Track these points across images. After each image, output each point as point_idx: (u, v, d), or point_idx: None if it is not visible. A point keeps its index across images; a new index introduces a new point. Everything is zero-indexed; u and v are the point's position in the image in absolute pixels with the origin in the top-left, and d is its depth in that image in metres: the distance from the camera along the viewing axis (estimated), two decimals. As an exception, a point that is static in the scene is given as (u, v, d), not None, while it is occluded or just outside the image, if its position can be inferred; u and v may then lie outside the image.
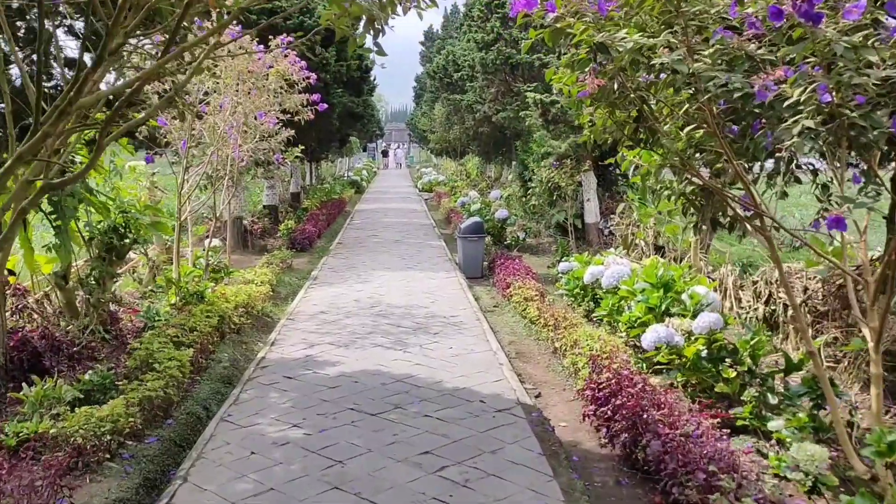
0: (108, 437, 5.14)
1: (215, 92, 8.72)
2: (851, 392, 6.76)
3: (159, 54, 4.49)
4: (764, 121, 5.22)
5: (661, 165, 6.02)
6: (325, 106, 10.07)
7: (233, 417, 6.01)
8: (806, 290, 8.73)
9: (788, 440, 5.51)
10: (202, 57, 3.77)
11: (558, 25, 5.12)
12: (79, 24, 6.59)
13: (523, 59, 18.00)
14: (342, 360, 7.58)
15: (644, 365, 7.47)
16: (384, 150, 76.06)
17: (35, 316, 7.38)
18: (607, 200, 16.11)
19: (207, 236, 15.03)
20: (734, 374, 6.47)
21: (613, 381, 6.38)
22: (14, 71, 6.50)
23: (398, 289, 11.54)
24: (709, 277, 9.72)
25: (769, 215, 5.35)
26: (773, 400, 6.17)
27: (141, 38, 4.81)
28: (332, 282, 12.20)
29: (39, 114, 3.40)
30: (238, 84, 8.71)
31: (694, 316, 7.60)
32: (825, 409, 5.69)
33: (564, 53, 5.67)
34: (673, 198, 6.02)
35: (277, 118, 10.09)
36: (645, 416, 5.59)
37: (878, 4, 4.19)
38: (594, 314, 9.16)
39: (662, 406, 5.83)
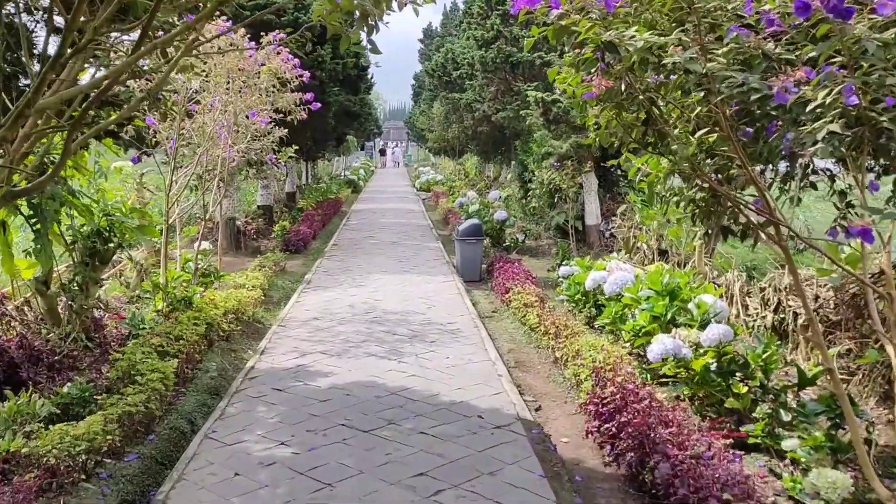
0: (84, 457, 4.83)
1: (204, 91, 8.39)
2: (867, 406, 6.49)
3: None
4: (779, 124, 4.98)
5: (671, 171, 5.74)
6: (319, 105, 9.74)
7: (217, 434, 5.70)
8: (817, 298, 8.44)
9: (803, 460, 5.22)
10: (180, 54, 3.46)
11: (563, 23, 4.83)
12: (59, 19, 6.26)
13: (524, 57, 17.68)
14: (334, 371, 7.27)
15: (648, 376, 7.19)
16: (382, 148, 75.70)
17: (14, 324, 7.06)
18: (608, 202, 15.82)
19: (198, 238, 14.78)
20: (745, 389, 6.18)
21: (618, 395, 6.11)
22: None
23: (394, 293, 11.24)
24: (714, 283, 9.44)
25: (785, 224, 5.08)
26: (786, 417, 5.88)
27: (119, 34, 4.50)
28: (327, 286, 11.88)
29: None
30: (228, 82, 8.38)
31: (702, 326, 7.31)
32: (843, 427, 5.41)
33: (567, 53, 5.39)
34: (682, 204, 5.75)
35: (270, 117, 9.77)
36: (652, 434, 5.30)
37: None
38: (596, 322, 8.86)
39: (671, 424, 5.55)
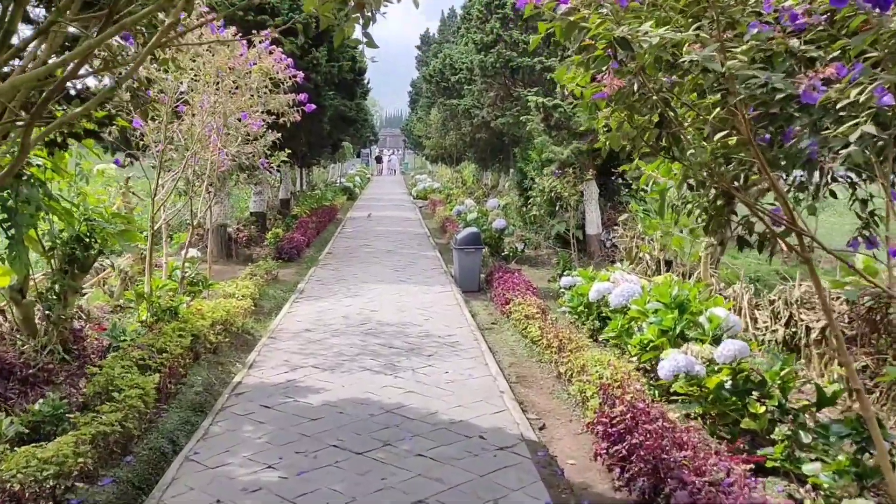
0: (52, 482, 4.44)
1: (193, 91, 8.02)
2: (887, 425, 6.16)
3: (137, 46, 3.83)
4: (798, 128, 4.66)
5: (686, 178, 5.41)
6: (314, 107, 9.36)
7: (200, 456, 5.30)
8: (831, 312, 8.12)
9: (826, 486, 4.87)
10: (154, 39, 3.10)
11: (571, 18, 4.48)
12: (37, 11, 5.91)
13: (524, 62, 17.37)
14: (327, 387, 6.88)
15: (657, 392, 6.85)
16: (378, 156, 75.39)
17: (-13, 334, 6.67)
18: (609, 211, 15.51)
19: (186, 245, 14.38)
20: (763, 409, 5.82)
21: (628, 415, 5.76)
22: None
23: (390, 304, 10.85)
24: (721, 295, 9.11)
25: (808, 234, 4.75)
26: (806, 438, 5.52)
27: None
28: (320, 295, 11.48)
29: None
30: (218, 82, 8.00)
31: (714, 341, 6.97)
32: (869, 451, 5.06)
33: (568, 56, 5.08)
34: (695, 213, 5.43)
35: (263, 120, 9.40)
36: (667, 458, 4.95)
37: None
38: (601, 335, 8.50)
39: (685, 446, 5.20)
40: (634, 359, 7.51)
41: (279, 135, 9.97)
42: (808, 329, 8.14)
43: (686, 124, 4.95)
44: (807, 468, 5.11)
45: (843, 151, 3.76)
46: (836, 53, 3.98)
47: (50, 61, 3.16)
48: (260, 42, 8.23)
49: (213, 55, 7.87)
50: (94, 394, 5.65)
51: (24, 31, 7.01)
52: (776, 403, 5.93)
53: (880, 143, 3.89)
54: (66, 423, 5.21)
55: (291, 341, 8.57)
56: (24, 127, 2.79)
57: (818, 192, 5.15)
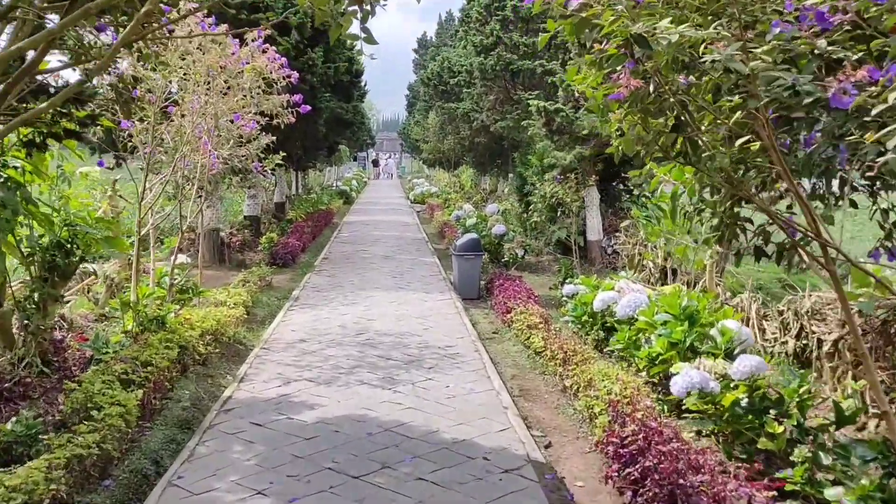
0: (22, 512, 4.08)
1: (182, 90, 7.67)
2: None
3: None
4: (818, 134, 4.20)
5: (705, 185, 5.11)
6: (308, 108, 9.01)
7: (184, 480, 4.93)
8: (844, 324, 7.81)
9: (850, 513, 4.55)
10: (128, 29, 2.77)
11: (583, 14, 4.16)
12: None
13: (525, 65, 17.06)
14: (322, 402, 6.52)
15: (666, 407, 6.55)
16: (375, 159, 75.11)
17: (-38, 345, 6.31)
18: (610, 217, 15.21)
19: (180, 249, 14.01)
20: (781, 429, 5.51)
21: (641, 435, 5.44)
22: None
23: (388, 312, 10.49)
24: (727, 304, 8.81)
25: (834, 245, 4.45)
26: (826, 460, 5.20)
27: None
28: (315, 303, 11.12)
29: None
30: (208, 81, 7.65)
31: (727, 355, 6.66)
32: (896, 476, 4.75)
33: (571, 59, 4.79)
34: (711, 221, 5.13)
35: (256, 122, 9.05)
36: (683, 482, 4.64)
37: None
38: (607, 347, 8.17)
39: (701, 469, 4.89)
40: (643, 373, 7.21)
41: (273, 137, 9.62)
42: (821, 342, 7.84)
43: (703, 128, 4.66)
44: (829, 493, 4.80)
45: (881, 159, 3.47)
46: (860, 55, 3.64)
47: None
48: (253, 41, 7.90)
49: (203, 54, 7.53)
50: (73, 411, 5.29)
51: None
52: (795, 423, 5.62)
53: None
54: (40, 444, 4.85)
55: (285, 352, 8.21)
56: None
57: (838, 200, 4.86)
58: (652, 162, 5.39)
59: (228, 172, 9.74)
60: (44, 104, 3.05)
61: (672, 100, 4.51)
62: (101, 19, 3.34)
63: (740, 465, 5.25)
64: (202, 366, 7.50)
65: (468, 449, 5.55)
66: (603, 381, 6.53)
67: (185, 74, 7.58)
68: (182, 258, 9.73)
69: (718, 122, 4.62)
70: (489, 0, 19.40)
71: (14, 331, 6.47)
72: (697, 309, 7.37)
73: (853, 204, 4.93)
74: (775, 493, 4.78)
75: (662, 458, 5.05)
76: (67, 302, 8.83)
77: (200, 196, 9.51)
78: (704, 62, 4.28)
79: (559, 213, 14.02)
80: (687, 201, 5.58)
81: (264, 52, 8.24)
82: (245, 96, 8.29)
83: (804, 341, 8.03)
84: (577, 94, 13.26)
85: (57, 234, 6.47)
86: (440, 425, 6.01)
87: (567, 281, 11.38)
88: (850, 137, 4.29)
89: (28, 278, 6.57)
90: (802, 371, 6.65)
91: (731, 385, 5.91)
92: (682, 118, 4.63)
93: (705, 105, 4.54)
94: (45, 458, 4.46)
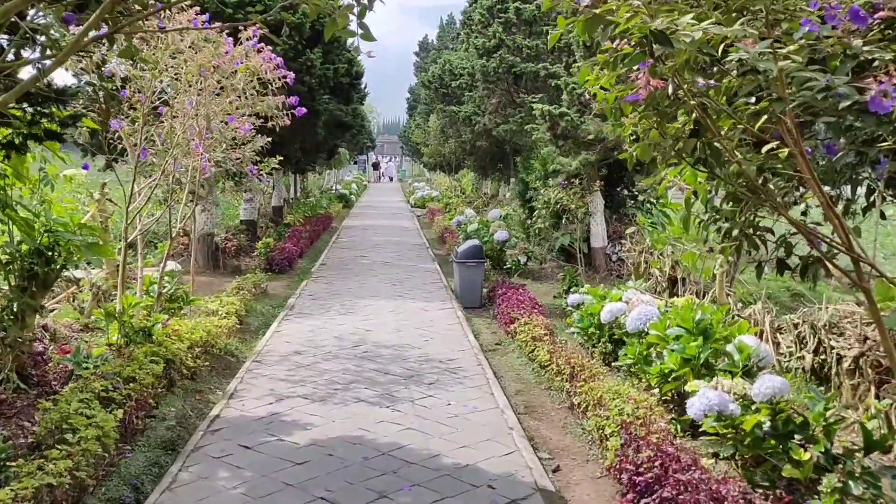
0: (-17, 550, 3.71)
1: (170, 88, 7.29)
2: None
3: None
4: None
5: (729, 193, 4.77)
6: (305, 111, 8.64)
7: (164, 512, 4.57)
8: (865, 339, 7.47)
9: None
10: (95, 15, 2.41)
11: (597, 11, 3.79)
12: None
13: (528, 67, 16.70)
14: (315, 422, 6.13)
15: (679, 426, 6.19)
16: (375, 162, 74.80)
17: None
18: (615, 224, 14.86)
19: (171, 255, 13.63)
20: (807, 456, 5.14)
21: (657, 461, 5.10)
22: None
23: (387, 322, 10.10)
24: (739, 317, 8.45)
25: (868, 260, 4.10)
26: (856, 490, 4.83)
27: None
28: (311, 312, 10.73)
29: None
30: (199, 81, 7.27)
31: (745, 373, 6.29)
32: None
33: (575, 62, 4.44)
34: (726, 230, 4.79)
35: (251, 124, 8.68)
36: (707, 517, 4.28)
37: None
38: (617, 362, 7.80)
39: (724, 502, 4.54)
40: (655, 390, 6.85)
41: (269, 139, 9.25)
42: (840, 358, 7.49)
43: (723, 133, 4.31)
44: (864, 528, 4.44)
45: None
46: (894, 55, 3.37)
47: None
48: (248, 39, 7.54)
49: (196, 52, 7.16)
50: (47, 432, 4.92)
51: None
52: (822, 450, 5.25)
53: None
54: (8, 472, 4.47)
55: (278, 366, 7.82)
56: None
57: (866, 210, 4.54)
58: (668, 168, 5.07)
59: (223, 176, 9.34)
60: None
61: (693, 102, 4.17)
62: (67, 9, 3.01)
63: (766, 496, 4.89)
64: (191, 380, 7.12)
65: (472, 476, 5.17)
66: (614, 399, 6.18)
67: (175, 74, 7.21)
68: (171, 265, 9.35)
69: (739, 126, 4.29)
70: (492, 2, 19.09)
71: (-10, 343, 6.09)
72: (711, 322, 7.01)
73: (882, 215, 4.60)
74: (806, 530, 4.42)
75: (682, 488, 4.71)
76: (52, 311, 8.48)
77: (192, 200, 9.14)
78: (729, 61, 3.94)
79: (563, 219, 13.66)
80: (701, 209, 5.26)
81: (259, 51, 7.88)
82: (239, 97, 7.92)
83: (822, 356, 7.69)
84: (582, 98, 12.96)
85: (37, 240, 6.10)
86: (441, 448, 5.63)
87: (572, 290, 11.03)
88: (882, 144, 3.97)
89: (6, 288, 6.19)
90: (828, 395, 6.28)
91: (753, 407, 5.55)
92: (703, 122, 4.29)
93: (726, 109, 4.20)
94: (11, 489, 4.08)
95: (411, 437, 5.83)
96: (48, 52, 3.76)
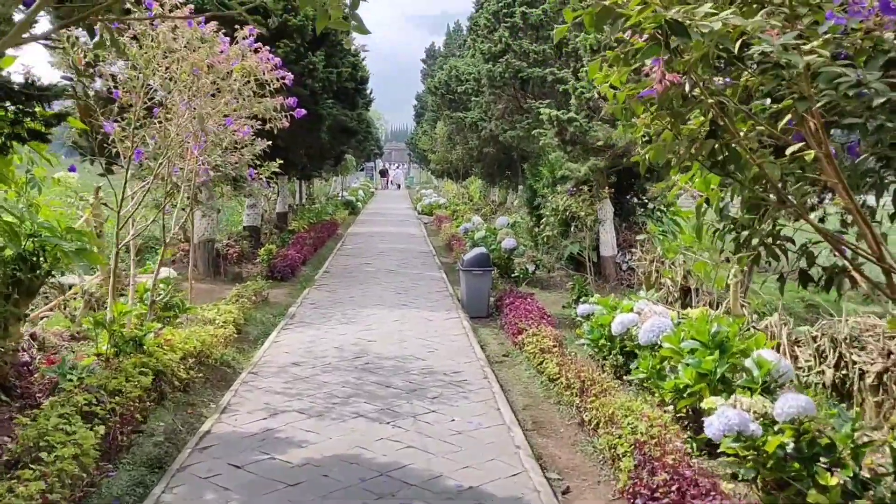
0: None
1: (162, 88, 7.01)
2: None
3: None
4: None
5: (750, 199, 4.47)
6: (304, 112, 8.33)
7: (144, 538, 4.26)
8: (889, 354, 7.12)
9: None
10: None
11: (606, 3, 3.51)
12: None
13: (535, 72, 16.40)
14: (311, 439, 5.80)
15: (695, 445, 5.87)
16: (383, 169, 74.67)
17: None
18: (624, 232, 14.52)
19: (173, 260, 13.36)
20: (834, 480, 4.80)
21: (674, 486, 4.78)
22: None
23: (390, 333, 9.77)
24: (755, 328, 8.12)
25: (900, 271, 3.80)
26: (889, 518, 4.50)
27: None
28: (312, 321, 10.41)
29: None
30: (193, 80, 6.98)
31: (765, 390, 5.96)
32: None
33: (583, 66, 4.16)
34: (744, 240, 4.51)
35: (251, 126, 8.39)
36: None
37: None
38: (629, 376, 7.47)
39: (748, 531, 4.21)
40: (669, 406, 6.52)
41: (269, 143, 8.96)
42: (863, 373, 7.15)
43: (742, 134, 4.01)
44: (898, 560, 4.10)
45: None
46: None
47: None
48: (244, 38, 7.26)
49: (192, 51, 6.88)
50: (23, 450, 4.61)
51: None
52: (850, 474, 4.91)
53: None
54: (-22, 493, 4.17)
55: (275, 378, 7.50)
56: None
57: (894, 217, 4.25)
58: (681, 173, 4.77)
59: (222, 180, 9.06)
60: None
61: (710, 101, 3.87)
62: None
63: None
64: (183, 392, 6.81)
65: (475, 499, 4.84)
66: (626, 416, 5.86)
67: (166, 70, 6.92)
68: (166, 272, 9.07)
69: (759, 128, 3.98)
70: (497, 7, 18.84)
71: (-29, 354, 5.82)
72: (727, 335, 6.68)
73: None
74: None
75: (702, 515, 4.39)
76: (43, 318, 8.21)
77: (190, 205, 8.86)
78: (751, 55, 3.65)
79: (572, 227, 13.34)
80: (713, 217, 4.96)
81: (256, 51, 7.59)
82: (236, 98, 7.63)
83: (843, 371, 7.35)
84: (591, 103, 12.66)
85: (21, 245, 5.82)
86: (444, 468, 5.30)
87: (581, 299, 10.70)
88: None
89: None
90: (854, 414, 5.93)
91: (775, 428, 5.21)
92: (721, 123, 3.99)
93: (744, 109, 3.90)
94: (-24, 514, 3.79)
95: (412, 456, 5.50)
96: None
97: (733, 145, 3.97)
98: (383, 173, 73.15)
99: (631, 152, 11.41)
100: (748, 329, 7.90)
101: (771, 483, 5.13)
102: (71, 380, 5.83)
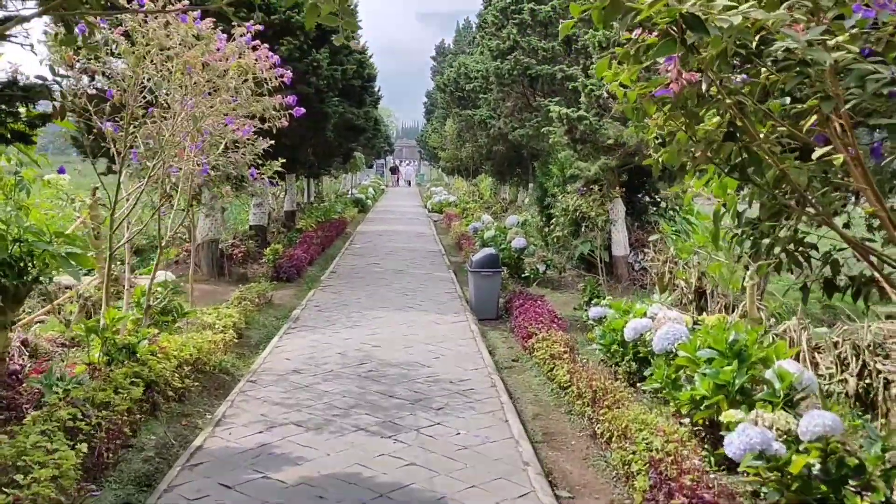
0: None
1: (155, 86, 6.74)
2: None
3: None
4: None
5: (772, 205, 4.19)
6: (303, 111, 8.05)
7: (124, 567, 3.99)
8: (917, 362, 6.79)
9: None
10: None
11: (615, -4, 3.23)
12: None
13: (543, 69, 16.06)
14: (308, 455, 5.51)
15: (713, 460, 5.58)
16: (393, 166, 74.49)
17: None
18: (636, 231, 14.20)
19: (177, 261, 13.14)
20: (865, 505, 4.50)
21: (694, 511, 4.47)
22: None
23: (396, 337, 9.48)
24: (773, 333, 7.79)
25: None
26: (924, 547, 4.18)
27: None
28: (316, 325, 10.13)
29: None
30: (186, 79, 6.70)
31: (787, 403, 5.63)
32: None
33: (592, 63, 3.88)
34: (766, 248, 4.24)
35: (252, 125, 8.12)
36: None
37: None
38: (642, 385, 7.16)
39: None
40: (685, 418, 6.21)
41: (272, 142, 8.69)
42: (888, 382, 6.82)
43: (762, 136, 3.72)
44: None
45: None
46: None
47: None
48: (241, 35, 6.99)
49: (188, 48, 6.61)
50: (1, 469, 4.37)
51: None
52: (882, 498, 4.59)
53: None
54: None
55: (274, 386, 7.22)
56: None
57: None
58: (694, 177, 4.50)
59: (222, 180, 8.80)
60: None
61: (728, 101, 3.57)
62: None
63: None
64: (178, 402, 6.56)
65: (480, 523, 4.57)
66: (641, 430, 5.56)
67: (158, 68, 6.66)
68: (163, 274, 8.83)
69: (780, 129, 3.69)
70: (505, 3, 18.52)
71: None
72: (746, 344, 6.36)
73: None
74: None
75: (723, 544, 4.09)
76: (38, 322, 7.99)
77: (190, 205, 8.61)
78: (774, 51, 3.35)
79: (582, 226, 13.03)
80: (730, 222, 4.67)
81: (255, 48, 7.32)
82: (233, 97, 7.36)
83: (866, 380, 7.02)
84: (601, 101, 12.34)
85: (8, 250, 5.57)
86: (447, 489, 5.01)
87: (593, 301, 10.39)
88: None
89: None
90: (879, 426, 5.62)
91: (801, 447, 4.90)
92: (740, 124, 3.69)
93: (765, 109, 3.60)
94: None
95: (414, 475, 5.21)
96: None
97: (753, 148, 3.69)
98: (394, 170, 72.98)
99: (642, 151, 11.12)
100: (766, 333, 7.58)
101: (793, 501, 4.83)
102: (56, 392, 5.58)
